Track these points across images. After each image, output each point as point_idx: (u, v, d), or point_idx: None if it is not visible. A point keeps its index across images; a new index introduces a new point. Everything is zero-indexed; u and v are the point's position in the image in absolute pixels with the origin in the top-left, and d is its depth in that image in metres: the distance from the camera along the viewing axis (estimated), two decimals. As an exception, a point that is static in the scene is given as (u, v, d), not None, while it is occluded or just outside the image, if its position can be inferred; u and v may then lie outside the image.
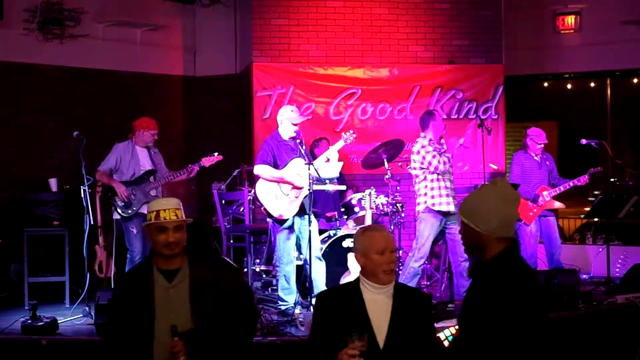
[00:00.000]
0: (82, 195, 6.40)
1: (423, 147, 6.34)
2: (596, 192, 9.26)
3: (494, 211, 2.90)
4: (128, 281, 3.57)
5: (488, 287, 2.86)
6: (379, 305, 3.16)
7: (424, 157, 6.29)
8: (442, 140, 6.48)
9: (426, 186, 6.32)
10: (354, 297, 3.18)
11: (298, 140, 6.00)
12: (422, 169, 6.32)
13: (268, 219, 6.19)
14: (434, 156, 6.27)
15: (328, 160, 6.23)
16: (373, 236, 3.20)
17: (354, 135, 6.41)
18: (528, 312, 2.81)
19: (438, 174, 6.30)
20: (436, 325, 4.99)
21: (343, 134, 6.43)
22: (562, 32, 9.42)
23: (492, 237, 2.90)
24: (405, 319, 3.13)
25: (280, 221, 6.00)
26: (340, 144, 6.31)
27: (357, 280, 3.27)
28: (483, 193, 2.99)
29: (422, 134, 6.50)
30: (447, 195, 6.30)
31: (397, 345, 3.10)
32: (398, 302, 3.17)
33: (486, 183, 3.13)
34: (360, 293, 3.19)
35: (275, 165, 6.02)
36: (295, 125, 6.05)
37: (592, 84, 9.79)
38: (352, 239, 6.18)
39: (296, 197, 5.95)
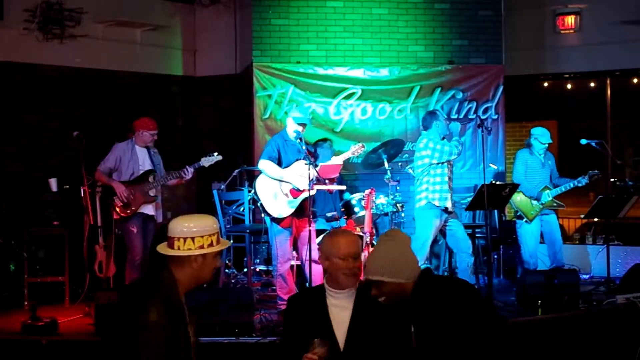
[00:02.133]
0: (82, 195, 6.40)
1: (430, 139, 6.33)
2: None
3: (404, 260, 3.05)
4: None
5: (430, 311, 2.97)
6: (341, 309, 3.21)
7: (433, 149, 6.28)
8: (445, 141, 6.45)
9: (428, 180, 6.32)
10: (319, 302, 3.24)
11: (297, 140, 5.99)
12: (432, 163, 6.29)
13: (263, 215, 6.20)
14: (443, 144, 6.29)
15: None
16: (338, 241, 3.24)
17: (364, 149, 6.41)
18: (470, 318, 2.93)
19: (448, 162, 6.30)
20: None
21: (352, 145, 6.40)
22: (562, 32, 9.42)
23: (407, 283, 3.03)
24: (367, 321, 3.15)
25: (277, 220, 5.99)
26: (347, 154, 6.30)
27: (323, 285, 3.31)
28: (387, 249, 3.10)
29: (424, 132, 6.50)
30: (448, 191, 6.32)
31: (357, 348, 3.12)
32: (359, 304, 3.20)
33: (383, 239, 3.19)
34: (325, 297, 3.24)
35: (280, 163, 6.02)
36: (299, 125, 6.02)
37: (592, 84, 9.78)
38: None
39: (294, 198, 5.94)
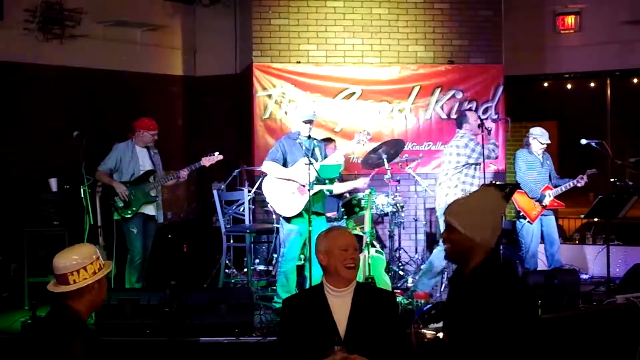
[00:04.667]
0: (82, 195, 6.40)
1: (471, 140, 6.38)
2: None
3: (489, 220, 2.92)
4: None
5: (478, 296, 2.87)
6: (340, 305, 3.28)
7: (473, 150, 6.31)
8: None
9: (459, 178, 6.36)
10: (319, 300, 3.30)
11: (305, 139, 6.03)
12: (468, 163, 6.31)
13: (274, 216, 6.23)
14: (484, 146, 6.32)
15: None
16: (337, 235, 3.36)
17: (369, 137, 6.32)
18: (519, 317, 2.82)
19: (476, 164, 6.33)
20: (435, 325, 5.04)
21: (356, 134, 6.33)
22: (562, 32, 9.43)
23: (479, 246, 2.91)
24: (364, 317, 3.25)
25: (287, 218, 6.02)
26: (351, 144, 6.31)
27: (322, 285, 3.36)
28: (477, 200, 2.99)
29: (459, 131, 6.53)
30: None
31: (356, 342, 3.19)
32: (357, 301, 3.30)
33: (477, 190, 3.13)
34: (325, 297, 3.30)
35: (286, 164, 6.05)
36: (306, 123, 6.06)
37: (592, 84, 9.78)
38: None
39: (302, 195, 5.95)
